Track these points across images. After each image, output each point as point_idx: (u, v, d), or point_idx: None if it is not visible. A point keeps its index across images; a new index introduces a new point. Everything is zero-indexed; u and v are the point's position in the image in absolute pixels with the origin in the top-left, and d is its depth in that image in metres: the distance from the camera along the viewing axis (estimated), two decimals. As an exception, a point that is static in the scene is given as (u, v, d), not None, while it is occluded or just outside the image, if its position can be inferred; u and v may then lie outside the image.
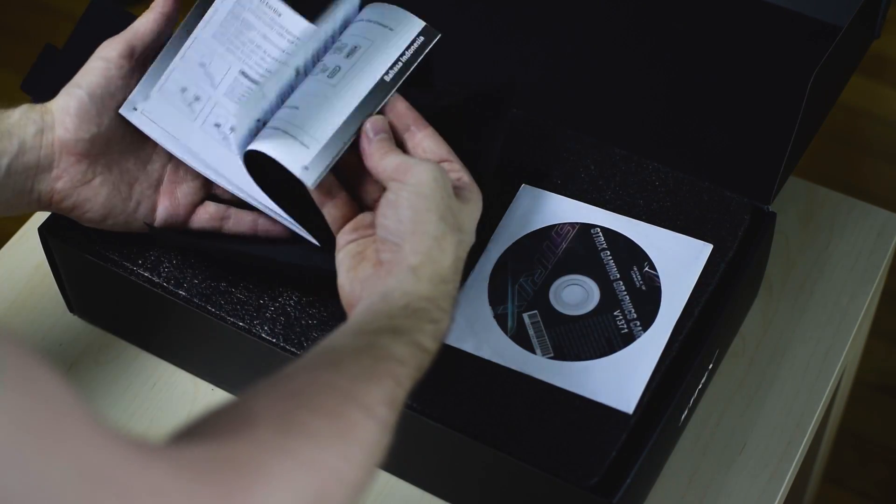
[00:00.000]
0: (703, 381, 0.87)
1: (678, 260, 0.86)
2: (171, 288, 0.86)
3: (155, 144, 0.84)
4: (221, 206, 0.86)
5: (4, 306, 0.97)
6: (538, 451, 0.79)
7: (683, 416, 0.86)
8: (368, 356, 0.66)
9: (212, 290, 0.86)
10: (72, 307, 0.96)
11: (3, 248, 1.01)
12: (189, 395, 0.92)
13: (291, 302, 0.86)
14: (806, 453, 0.92)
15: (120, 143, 0.83)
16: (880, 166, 2.02)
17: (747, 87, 0.99)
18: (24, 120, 0.80)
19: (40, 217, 0.97)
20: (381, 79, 0.79)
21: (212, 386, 0.92)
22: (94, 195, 0.83)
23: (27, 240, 1.00)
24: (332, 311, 0.85)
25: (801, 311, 0.97)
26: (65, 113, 0.81)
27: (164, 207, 0.85)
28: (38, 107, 0.81)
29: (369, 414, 0.62)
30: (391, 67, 0.79)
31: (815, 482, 1.38)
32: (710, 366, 0.88)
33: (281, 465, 0.55)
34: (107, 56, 0.82)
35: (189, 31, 0.83)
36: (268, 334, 0.84)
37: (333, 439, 0.59)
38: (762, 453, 0.89)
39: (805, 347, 0.94)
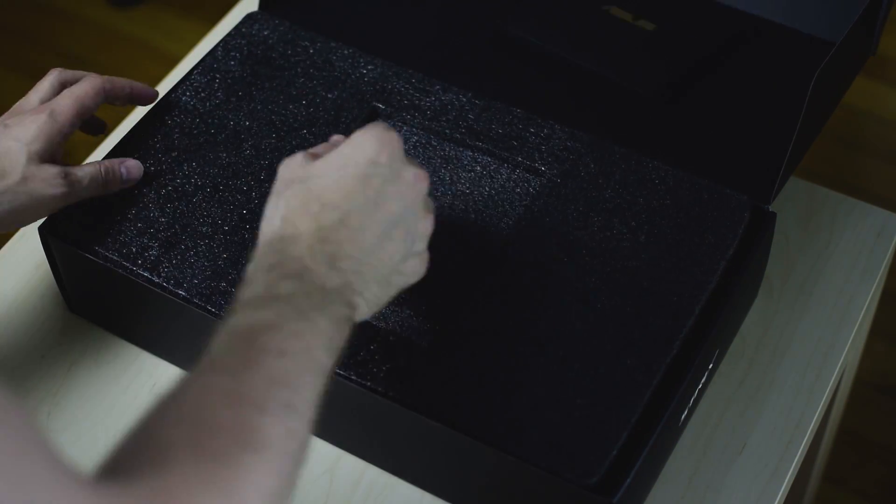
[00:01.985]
0: (703, 381, 0.87)
1: None
2: (171, 288, 0.86)
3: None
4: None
5: (4, 306, 0.97)
6: (538, 451, 0.79)
7: (683, 416, 0.86)
8: (235, 340, 0.63)
9: (212, 290, 0.86)
10: (72, 307, 0.96)
11: (3, 248, 1.01)
12: (189, 395, 0.92)
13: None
14: (806, 453, 0.92)
15: None
16: (880, 166, 2.02)
17: (749, 87, 0.99)
18: None
19: (40, 217, 0.97)
20: None
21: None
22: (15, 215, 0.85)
23: (27, 240, 1.00)
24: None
25: (801, 311, 0.97)
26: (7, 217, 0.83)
27: None
28: None
29: (260, 408, 0.60)
30: None
31: (815, 482, 1.38)
32: (710, 366, 0.88)
33: (207, 496, 0.55)
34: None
35: None
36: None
37: (243, 454, 0.57)
38: (762, 453, 0.89)
39: (805, 347, 0.94)
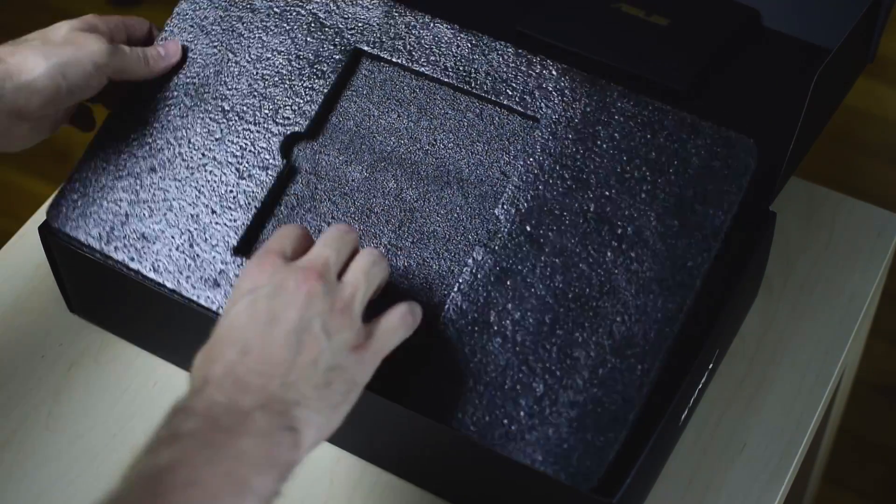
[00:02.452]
0: (703, 381, 0.87)
1: None
2: (172, 288, 0.86)
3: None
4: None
5: (4, 306, 0.97)
6: (538, 451, 0.79)
7: (683, 416, 0.86)
8: (142, 482, 0.62)
9: (212, 290, 0.86)
10: (72, 307, 0.96)
11: (3, 248, 1.01)
12: (189, 395, 0.92)
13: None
14: (806, 453, 0.92)
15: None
16: (880, 166, 2.02)
17: (750, 90, 0.99)
18: None
19: (40, 217, 0.97)
20: None
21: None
22: (22, 140, 0.85)
23: (27, 240, 1.00)
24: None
25: (801, 311, 0.97)
26: (36, 93, 0.81)
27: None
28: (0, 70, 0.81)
29: None
30: None
31: (815, 482, 1.38)
32: (710, 366, 0.88)
33: None
34: (98, 62, 0.84)
35: None
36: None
37: None
38: (762, 453, 0.89)
39: (805, 347, 0.94)
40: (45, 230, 0.89)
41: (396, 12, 0.91)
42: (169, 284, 0.86)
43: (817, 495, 1.48)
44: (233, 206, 0.88)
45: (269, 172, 0.87)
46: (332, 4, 0.92)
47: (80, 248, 0.88)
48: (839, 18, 0.95)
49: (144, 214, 0.88)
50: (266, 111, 0.89)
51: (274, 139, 0.88)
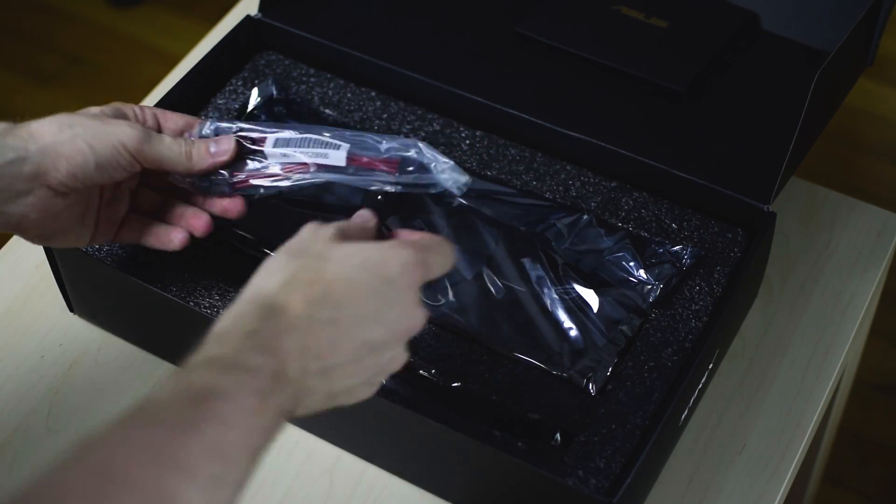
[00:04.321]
0: (703, 381, 0.87)
1: None
2: (171, 287, 0.86)
3: (123, 180, 0.80)
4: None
5: (4, 306, 0.97)
6: (538, 451, 0.79)
7: (683, 416, 0.86)
8: (184, 399, 0.58)
9: (212, 290, 0.86)
10: (72, 307, 0.96)
11: (3, 248, 1.01)
12: (189, 395, 0.92)
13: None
14: (806, 453, 0.92)
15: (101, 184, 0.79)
16: (880, 166, 2.03)
17: (750, 91, 0.99)
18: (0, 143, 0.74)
19: (40, 217, 0.97)
20: None
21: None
22: (59, 223, 0.79)
23: (27, 240, 1.00)
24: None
25: (801, 311, 0.97)
26: (62, 158, 0.75)
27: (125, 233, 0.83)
28: (22, 131, 0.75)
29: (189, 476, 0.55)
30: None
31: (815, 482, 1.38)
32: (710, 366, 0.88)
33: None
34: (126, 143, 0.77)
35: None
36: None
37: None
38: (762, 453, 0.89)
39: (805, 347, 0.94)
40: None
41: None
42: (168, 284, 0.86)
43: (817, 495, 1.48)
44: None
45: None
46: None
47: (80, 249, 0.88)
48: (837, 22, 0.95)
49: None
50: None
51: None
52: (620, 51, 1.01)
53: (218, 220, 0.83)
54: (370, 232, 0.73)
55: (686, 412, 0.86)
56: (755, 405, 0.91)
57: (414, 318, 0.68)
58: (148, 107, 0.83)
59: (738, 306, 0.90)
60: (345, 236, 0.69)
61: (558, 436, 0.80)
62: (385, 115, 0.99)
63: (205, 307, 0.86)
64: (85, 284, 0.93)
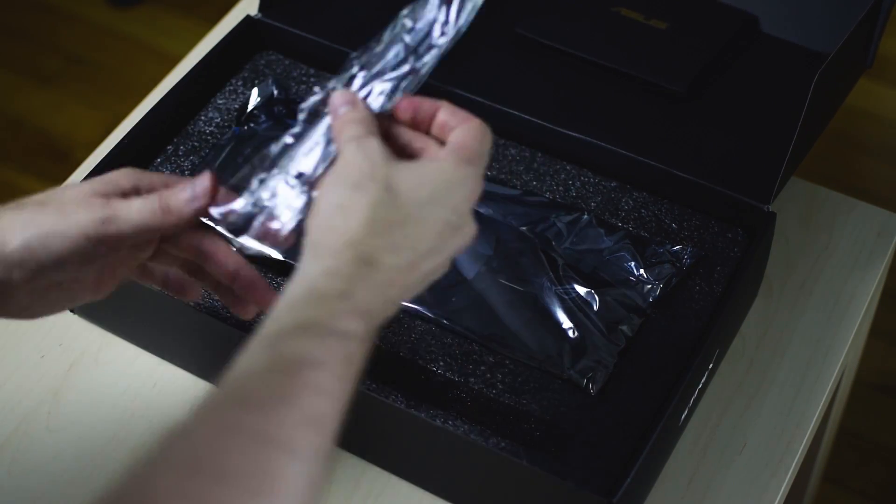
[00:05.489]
0: (703, 381, 0.87)
1: None
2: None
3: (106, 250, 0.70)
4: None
5: (4, 306, 0.97)
6: (538, 451, 0.79)
7: (683, 416, 0.86)
8: (275, 371, 0.56)
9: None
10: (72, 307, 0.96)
11: (3, 248, 1.01)
12: (189, 395, 0.92)
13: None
14: (806, 453, 0.92)
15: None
16: (880, 166, 2.03)
17: (751, 92, 1.00)
18: None
19: (40, 217, 0.97)
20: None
21: (213, 385, 0.92)
22: (45, 302, 0.72)
23: (27, 240, 1.00)
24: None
25: (801, 311, 0.97)
26: (12, 265, 0.68)
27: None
28: None
29: (288, 450, 0.54)
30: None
31: (815, 482, 1.38)
32: (710, 366, 0.88)
33: None
34: (87, 233, 0.68)
35: None
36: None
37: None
38: (762, 453, 0.89)
39: (805, 347, 0.94)
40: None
41: None
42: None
43: (817, 495, 1.48)
44: None
45: None
46: None
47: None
48: (836, 25, 0.95)
49: None
50: None
51: None
52: (620, 51, 1.01)
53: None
54: (404, 113, 0.69)
55: (686, 412, 0.86)
56: (755, 405, 0.91)
57: (470, 237, 0.66)
58: (155, 174, 0.73)
59: (738, 306, 0.90)
60: (398, 151, 0.67)
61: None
62: (385, 115, 0.99)
63: (205, 307, 0.86)
64: (85, 284, 0.93)
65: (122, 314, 0.93)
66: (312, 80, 1.01)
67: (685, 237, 0.91)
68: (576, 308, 0.86)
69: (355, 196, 0.63)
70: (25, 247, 0.68)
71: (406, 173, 0.65)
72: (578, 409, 0.82)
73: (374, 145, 0.65)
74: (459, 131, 0.67)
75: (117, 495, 0.51)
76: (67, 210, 0.69)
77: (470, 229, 0.67)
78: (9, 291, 0.69)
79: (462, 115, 0.68)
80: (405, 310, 0.86)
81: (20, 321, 0.93)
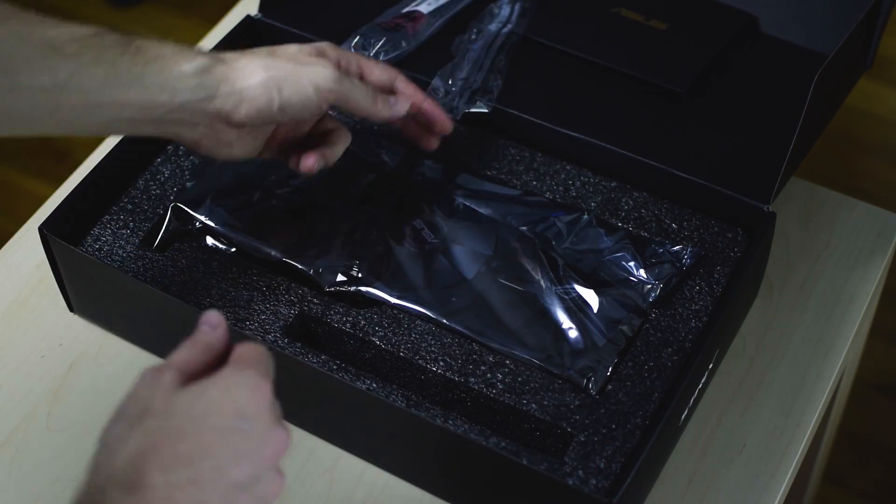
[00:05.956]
0: (703, 381, 0.88)
1: None
2: (171, 287, 0.86)
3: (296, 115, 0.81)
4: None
5: (4, 306, 0.97)
6: (538, 451, 0.79)
7: (683, 416, 0.86)
8: None
9: (211, 289, 0.86)
10: (72, 307, 0.96)
11: (3, 248, 1.01)
12: (189, 395, 0.92)
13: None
14: (806, 453, 0.92)
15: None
16: (880, 166, 2.03)
17: (751, 92, 0.99)
18: (194, 81, 0.76)
19: (40, 217, 0.97)
20: None
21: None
22: (228, 145, 0.81)
23: (27, 240, 1.00)
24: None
25: (801, 311, 0.97)
26: (246, 101, 0.78)
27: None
28: (218, 71, 0.77)
29: None
30: None
31: (815, 482, 1.38)
32: (710, 366, 0.88)
33: None
34: (319, 85, 0.79)
35: None
36: (266, 332, 0.84)
37: None
38: (762, 453, 0.89)
39: (805, 347, 0.94)
40: (44, 230, 0.89)
41: None
42: (168, 284, 0.86)
43: (817, 495, 1.48)
44: None
45: None
46: None
47: (80, 249, 0.88)
48: (836, 25, 0.95)
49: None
50: None
51: None
52: (621, 52, 1.01)
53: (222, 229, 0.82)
54: (218, 344, 0.67)
55: (686, 412, 0.87)
56: (755, 405, 0.91)
57: (275, 440, 0.64)
58: (353, 53, 0.85)
59: (738, 306, 0.90)
60: (186, 375, 0.65)
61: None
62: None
63: (205, 307, 0.86)
64: (85, 284, 0.93)
65: (122, 314, 0.93)
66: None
67: (685, 237, 0.91)
68: (576, 308, 0.86)
69: (128, 430, 0.63)
70: (262, 85, 0.77)
71: (187, 392, 0.63)
72: (578, 409, 0.82)
73: (168, 375, 0.64)
74: (240, 348, 0.66)
75: None
76: (308, 62, 0.79)
77: (278, 436, 0.64)
78: (223, 122, 0.78)
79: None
80: (405, 310, 0.86)
81: (20, 321, 0.93)
